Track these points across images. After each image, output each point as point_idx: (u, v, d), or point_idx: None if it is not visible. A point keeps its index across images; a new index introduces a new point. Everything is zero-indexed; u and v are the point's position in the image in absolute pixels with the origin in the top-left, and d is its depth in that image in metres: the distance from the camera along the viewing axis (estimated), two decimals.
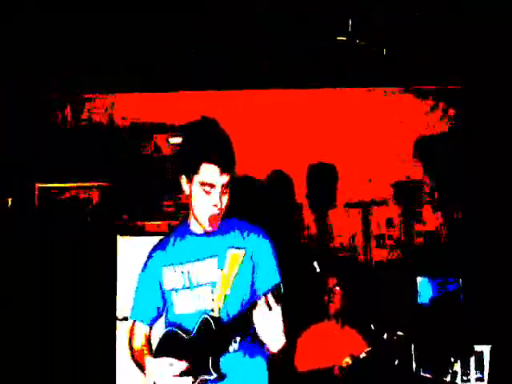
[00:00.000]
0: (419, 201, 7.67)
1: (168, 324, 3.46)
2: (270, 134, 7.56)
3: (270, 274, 3.31)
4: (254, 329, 3.05)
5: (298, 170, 7.57)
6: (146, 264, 3.57)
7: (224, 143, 3.32)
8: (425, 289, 7.31)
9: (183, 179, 3.33)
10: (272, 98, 7.66)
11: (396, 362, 5.34)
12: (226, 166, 3.25)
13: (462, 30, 6.26)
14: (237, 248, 3.33)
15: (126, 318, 5.62)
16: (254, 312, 3.00)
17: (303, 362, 5.94)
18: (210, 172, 3.22)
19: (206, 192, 3.24)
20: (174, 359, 3.22)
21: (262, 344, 3.14)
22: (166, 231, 5.09)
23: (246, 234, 3.39)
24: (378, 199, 7.59)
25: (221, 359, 3.18)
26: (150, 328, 3.57)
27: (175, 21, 5.91)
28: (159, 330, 3.49)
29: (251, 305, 3.07)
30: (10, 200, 6.78)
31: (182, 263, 3.41)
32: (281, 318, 3.01)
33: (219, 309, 3.29)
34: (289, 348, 5.77)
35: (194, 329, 3.27)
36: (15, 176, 6.94)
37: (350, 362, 5.45)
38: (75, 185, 7.25)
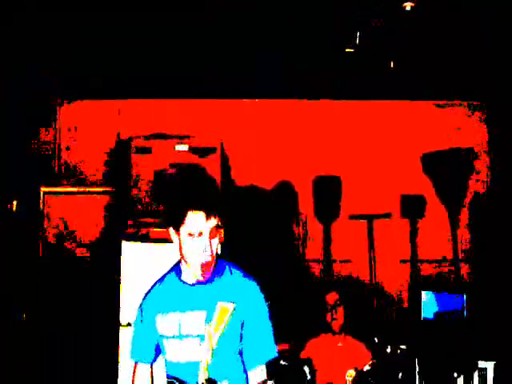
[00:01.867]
0: (425, 214, 7.64)
1: (170, 376, 3.44)
2: (277, 145, 7.55)
3: (263, 348, 3.31)
4: None
5: (303, 181, 7.55)
6: (140, 307, 3.58)
7: (206, 188, 3.28)
8: (429, 303, 7.28)
9: (171, 230, 3.29)
10: (279, 108, 7.65)
11: (400, 376, 5.31)
12: (211, 211, 3.20)
13: (473, 43, 6.27)
14: (226, 301, 3.30)
15: (129, 324, 5.61)
16: None
17: None
18: (195, 221, 3.18)
19: (194, 240, 3.21)
20: None
21: None
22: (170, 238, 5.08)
23: (237, 285, 3.35)
24: (383, 212, 7.57)
25: None
26: (152, 365, 3.59)
27: (177, 25, 5.92)
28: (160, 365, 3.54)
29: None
30: (15, 203, 6.77)
31: (172, 311, 3.40)
32: None
33: (207, 362, 3.27)
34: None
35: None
36: (20, 179, 6.94)
37: (354, 375, 5.42)
38: (80, 189, 7.24)
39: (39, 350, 6.71)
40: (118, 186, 7.01)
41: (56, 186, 7.23)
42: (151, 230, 6.28)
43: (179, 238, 3.26)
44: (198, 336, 3.30)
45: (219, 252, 3.36)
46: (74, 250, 7.01)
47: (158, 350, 3.54)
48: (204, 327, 3.29)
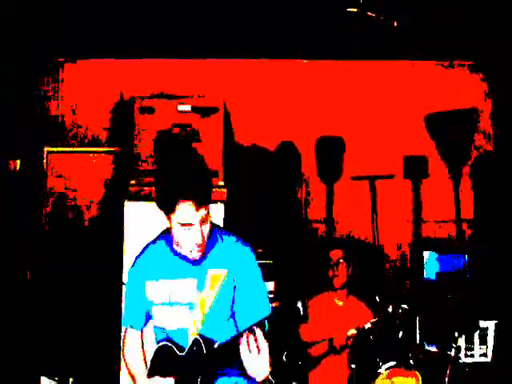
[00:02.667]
0: (428, 175, 7.64)
1: (162, 340, 3.45)
2: (280, 105, 7.52)
3: (256, 307, 3.31)
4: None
5: (306, 142, 7.54)
6: (130, 273, 3.58)
7: (197, 178, 3.23)
8: (431, 264, 7.32)
9: (163, 214, 3.26)
10: (282, 68, 7.61)
11: (400, 334, 5.35)
12: (201, 201, 3.18)
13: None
14: (218, 268, 3.31)
15: None
16: (241, 345, 3.01)
17: (308, 331, 5.95)
18: (186, 211, 3.16)
19: (184, 229, 3.19)
20: (161, 381, 3.32)
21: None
22: None
23: (228, 251, 3.35)
24: (386, 173, 7.57)
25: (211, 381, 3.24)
26: (142, 331, 3.61)
27: None
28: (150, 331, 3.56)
29: (238, 335, 3.09)
30: (18, 162, 6.78)
31: (162, 278, 3.40)
32: (267, 353, 3.01)
33: (197, 329, 3.30)
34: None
35: (186, 347, 3.30)
36: (24, 139, 6.94)
37: (355, 333, 5.47)
38: (84, 149, 7.25)
39: (41, 308, 6.75)
40: (121, 145, 7.02)
41: (59, 145, 7.24)
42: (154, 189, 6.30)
43: (170, 224, 3.24)
44: (187, 304, 3.31)
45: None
46: (76, 209, 7.03)
47: (149, 316, 3.54)
48: (195, 295, 3.30)
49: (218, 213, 5.91)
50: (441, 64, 7.72)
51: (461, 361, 6.34)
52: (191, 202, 3.15)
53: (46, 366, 5.86)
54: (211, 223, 3.37)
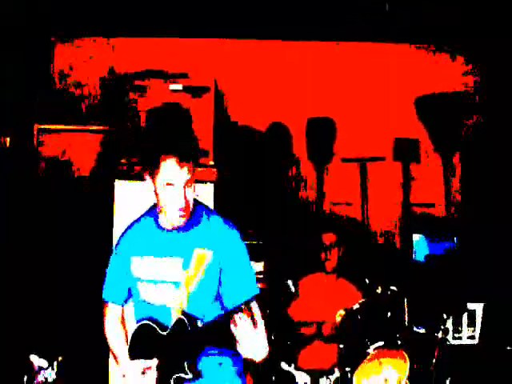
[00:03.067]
0: (418, 158, 7.65)
1: (142, 319, 3.43)
2: (271, 86, 7.51)
3: (243, 288, 3.28)
4: (234, 340, 3.00)
5: (297, 123, 7.53)
6: (116, 246, 3.58)
7: (183, 133, 3.24)
8: (420, 246, 7.34)
9: (147, 177, 3.24)
10: (274, 49, 7.59)
11: (388, 315, 5.38)
12: (185, 159, 3.16)
13: None
14: (204, 248, 3.28)
15: None
16: (234, 322, 2.95)
17: (297, 311, 5.98)
18: (169, 168, 3.14)
19: (168, 189, 3.17)
20: (146, 361, 3.29)
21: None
22: None
23: (215, 231, 3.33)
24: (376, 155, 7.57)
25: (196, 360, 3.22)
26: (123, 307, 3.63)
27: None
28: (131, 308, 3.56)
29: (227, 314, 3.05)
30: (8, 139, 6.75)
31: (148, 255, 3.38)
32: (263, 328, 2.96)
33: (182, 308, 3.28)
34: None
35: (169, 326, 3.28)
36: (14, 116, 6.91)
37: (343, 314, 5.48)
38: (74, 127, 7.23)
39: (29, 285, 6.74)
40: (112, 124, 7.00)
41: (50, 123, 7.21)
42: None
43: (154, 186, 3.22)
44: (173, 282, 3.29)
45: (196, 198, 3.36)
46: (66, 187, 7.01)
47: (130, 293, 3.54)
48: (180, 274, 3.28)
49: (207, 193, 5.92)
50: (431, 47, 7.72)
51: (448, 343, 6.38)
52: (175, 159, 3.13)
53: (35, 345, 5.86)
54: (199, 202, 3.38)
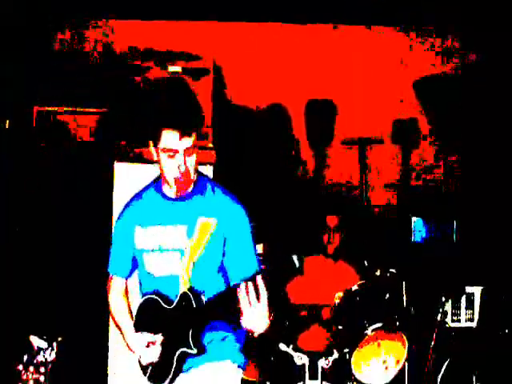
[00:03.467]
0: (417, 141, 7.65)
1: (147, 293, 3.46)
2: (271, 68, 7.49)
3: (239, 244, 3.32)
4: (237, 315, 3.05)
5: (297, 105, 7.53)
6: (118, 219, 3.60)
7: (183, 105, 3.26)
8: (419, 229, 7.35)
9: (151, 146, 3.30)
10: (273, 32, 7.57)
11: (387, 297, 5.39)
12: (186, 130, 3.19)
13: None
14: (208, 217, 3.31)
15: None
16: (240, 295, 2.99)
17: (296, 292, 5.99)
18: (169, 139, 3.18)
19: (169, 157, 3.21)
20: (151, 335, 3.32)
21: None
22: None
23: (219, 202, 3.36)
24: (376, 137, 7.57)
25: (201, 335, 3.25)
26: (127, 280, 3.66)
27: None
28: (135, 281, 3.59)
29: (231, 289, 3.13)
30: (7, 121, 6.75)
31: (152, 225, 3.41)
32: (266, 302, 2.99)
33: (188, 276, 3.31)
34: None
35: (174, 301, 3.30)
36: (13, 98, 6.90)
37: (342, 296, 5.49)
38: (73, 109, 7.21)
39: (29, 266, 6.75)
40: (111, 106, 6.99)
41: (49, 105, 7.20)
42: (144, 150, 6.28)
43: (157, 154, 3.26)
44: (178, 250, 3.32)
45: (198, 169, 3.39)
46: (66, 169, 7.00)
47: (135, 265, 3.57)
48: (185, 241, 3.31)
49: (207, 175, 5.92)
50: (429, 29, 7.71)
51: (447, 325, 6.41)
52: (175, 131, 3.16)
53: (34, 325, 5.87)
54: (203, 174, 3.43)
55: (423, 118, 7.64)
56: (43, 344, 4.88)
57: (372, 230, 7.45)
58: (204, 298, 3.24)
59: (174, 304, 3.29)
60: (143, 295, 3.48)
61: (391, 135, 7.60)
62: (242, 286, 2.99)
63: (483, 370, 6.11)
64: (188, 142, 3.20)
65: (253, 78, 7.43)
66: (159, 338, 3.32)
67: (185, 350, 3.23)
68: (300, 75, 7.49)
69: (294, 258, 3.06)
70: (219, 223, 3.30)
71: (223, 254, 3.32)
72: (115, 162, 6.34)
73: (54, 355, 4.84)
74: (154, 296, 3.39)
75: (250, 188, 7.03)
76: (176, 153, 3.19)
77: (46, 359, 4.44)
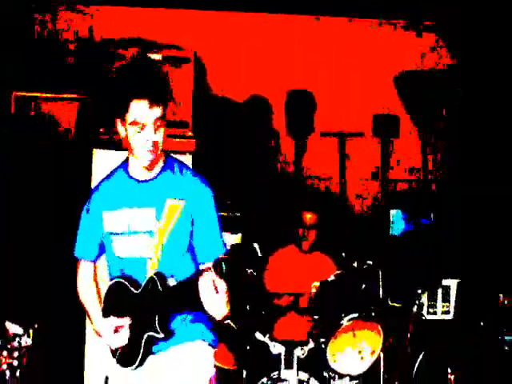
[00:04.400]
0: (397, 134, 7.67)
1: (115, 277, 3.45)
2: (251, 58, 7.48)
3: (206, 226, 3.32)
4: (198, 300, 3.07)
5: (277, 96, 7.52)
6: (86, 204, 3.58)
7: (151, 75, 3.27)
8: (397, 221, 7.39)
9: (118, 122, 3.28)
10: (255, 22, 7.56)
11: (363, 287, 5.41)
12: (155, 99, 3.19)
13: None
14: (176, 198, 3.31)
15: None
16: (199, 283, 3.02)
17: (273, 281, 6.00)
18: (139, 108, 3.17)
19: (139, 129, 3.20)
20: (118, 320, 3.32)
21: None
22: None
23: (186, 183, 3.36)
24: (355, 130, 7.59)
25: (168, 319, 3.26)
26: (95, 263, 3.63)
27: None
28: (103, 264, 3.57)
29: (197, 273, 3.11)
30: None
31: (121, 208, 3.39)
32: (225, 292, 3.02)
33: (157, 258, 3.31)
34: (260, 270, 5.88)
35: (142, 284, 3.30)
36: None
37: (318, 286, 5.50)
38: (53, 95, 7.17)
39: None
40: (91, 92, 6.96)
41: (28, 91, 7.16)
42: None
43: (125, 129, 3.25)
44: (147, 232, 3.31)
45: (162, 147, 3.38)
46: (44, 156, 6.97)
47: (102, 249, 3.55)
48: (153, 224, 3.31)
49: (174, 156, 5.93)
50: (411, 24, 7.74)
51: (423, 317, 6.44)
52: (145, 100, 3.16)
53: (10, 311, 5.85)
54: (172, 156, 3.43)
55: (403, 111, 7.66)
56: (19, 330, 4.89)
57: (350, 221, 7.48)
58: (171, 283, 3.24)
59: (141, 288, 3.29)
60: (111, 279, 3.47)
61: (371, 128, 7.62)
62: (204, 275, 3.01)
63: (459, 362, 6.15)
64: (157, 111, 3.20)
65: (233, 67, 7.41)
66: (127, 321, 3.31)
67: (152, 334, 3.24)
68: (281, 66, 7.49)
69: (256, 246, 3.05)
70: (187, 204, 3.30)
71: (191, 235, 3.32)
72: (94, 149, 6.33)
73: (29, 342, 4.84)
74: (121, 280, 3.38)
75: (228, 178, 7.06)
76: (144, 126, 3.19)
77: (20, 344, 4.45)
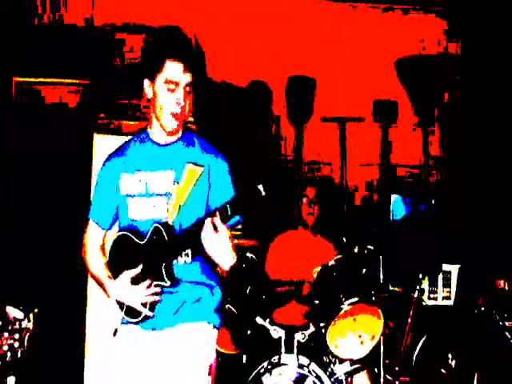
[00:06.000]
0: (397, 119, 7.67)
1: (121, 229, 3.49)
2: (252, 43, 7.47)
3: (222, 193, 3.35)
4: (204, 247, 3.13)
5: (277, 82, 7.51)
6: (104, 166, 3.58)
7: (188, 42, 3.35)
8: (398, 207, 7.39)
9: (146, 82, 3.34)
10: (255, 6, 7.54)
11: (363, 272, 5.41)
12: (189, 64, 3.25)
13: None
14: (195, 164, 3.36)
15: None
16: (202, 231, 3.08)
17: (274, 269, 6.01)
18: (173, 69, 3.24)
19: (169, 90, 3.25)
20: (130, 272, 3.32)
21: (213, 263, 3.24)
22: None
23: (205, 152, 3.41)
24: (356, 116, 7.59)
25: (174, 267, 3.29)
26: (105, 234, 3.63)
27: None
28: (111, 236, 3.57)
29: (201, 220, 3.15)
30: None
31: (139, 170, 3.42)
32: (227, 236, 3.09)
33: (173, 219, 3.33)
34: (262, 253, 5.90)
35: (147, 235, 3.32)
36: None
37: (319, 270, 5.50)
38: (53, 80, 7.16)
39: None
40: (91, 77, 6.94)
41: (29, 76, 7.15)
42: (123, 122, 6.29)
43: (153, 90, 3.30)
44: (165, 194, 3.35)
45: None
46: (45, 140, 6.97)
47: (114, 220, 3.57)
48: (171, 186, 3.35)
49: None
50: (411, 9, 7.72)
51: (424, 303, 6.45)
52: (180, 63, 3.24)
53: (11, 296, 5.86)
54: (192, 130, 3.50)
55: (404, 97, 7.65)
56: (19, 315, 4.90)
57: (350, 206, 7.48)
58: (176, 231, 3.28)
59: (147, 238, 3.32)
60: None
61: (372, 113, 7.61)
62: (208, 219, 3.08)
63: (459, 348, 6.15)
64: (188, 77, 3.26)
65: (234, 52, 7.40)
66: (139, 269, 3.33)
67: (158, 282, 3.26)
68: (282, 51, 7.48)
69: (260, 187, 3.09)
70: (205, 171, 3.35)
71: (207, 201, 3.36)
72: (95, 134, 6.34)
73: (30, 325, 4.85)
74: (126, 232, 3.41)
75: (228, 164, 7.05)
76: (177, 86, 3.25)
77: (20, 326, 4.46)
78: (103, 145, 6.22)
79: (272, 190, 3.19)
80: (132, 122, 6.44)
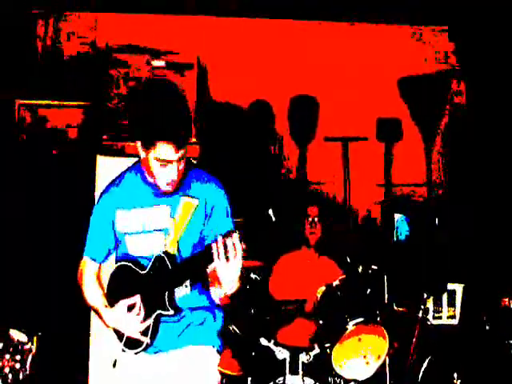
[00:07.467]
0: (401, 139, 7.67)
1: (120, 258, 3.48)
2: (255, 64, 7.49)
3: (220, 221, 3.35)
4: (207, 274, 3.16)
5: (280, 101, 7.52)
6: (99, 201, 3.58)
7: (178, 117, 3.22)
8: (402, 226, 7.37)
9: (139, 145, 3.27)
10: (258, 27, 7.57)
11: (368, 292, 5.39)
12: (181, 144, 3.19)
13: None
14: (190, 197, 3.35)
15: None
16: (213, 251, 3.05)
17: (278, 289, 5.99)
18: (165, 150, 3.17)
19: (162, 166, 3.22)
20: (127, 300, 3.32)
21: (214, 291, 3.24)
22: None
23: (200, 183, 3.40)
24: (359, 135, 7.59)
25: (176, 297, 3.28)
26: (100, 265, 3.63)
27: None
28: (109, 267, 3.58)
29: (206, 248, 3.14)
30: None
31: (135, 207, 3.41)
32: (240, 264, 3.08)
33: (172, 253, 3.33)
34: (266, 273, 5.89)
35: (148, 265, 3.33)
36: None
37: (323, 290, 5.48)
38: (56, 103, 7.17)
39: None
40: (94, 99, 6.96)
41: (32, 98, 7.16)
42: (127, 144, 6.29)
43: (146, 157, 3.24)
44: (162, 230, 3.34)
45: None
46: (48, 163, 6.96)
47: (109, 252, 3.57)
48: (168, 221, 3.33)
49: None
50: (415, 28, 7.74)
51: (429, 322, 6.42)
52: (171, 145, 3.16)
53: (15, 319, 5.85)
54: (188, 161, 3.42)
55: (407, 115, 7.66)
56: (23, 338, 4.89)
57: (354, 226, 7.47)
58: (178, 260, 3.29)
59: (148, 267, 3.32)
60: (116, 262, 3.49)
61: (375, 132, 7.61)
62: (219, 238, 3.06)
63: (465, 367, 6.12)
64: (182, 152, 3.20)
65: (237, 73, 7.42)
66: (137, 298, 3.32)
67: (161, 311, 3.26)
68: (284, 71, 7.50)
69: (270, 211, 3.08)
70: (200, 203, 3.33)
71: (201, 231, 3.35)
72: (97, 156, 6.33)
73: (33, 349, 4.84)
74: (124, 263, 3.40)
75: (231, 184, 7.05)
76: (170, 163, 3.20)
77: (22, 348, 4.45)
78: (106, 167, 6.22)
79: (279, 213, 3.17)
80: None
